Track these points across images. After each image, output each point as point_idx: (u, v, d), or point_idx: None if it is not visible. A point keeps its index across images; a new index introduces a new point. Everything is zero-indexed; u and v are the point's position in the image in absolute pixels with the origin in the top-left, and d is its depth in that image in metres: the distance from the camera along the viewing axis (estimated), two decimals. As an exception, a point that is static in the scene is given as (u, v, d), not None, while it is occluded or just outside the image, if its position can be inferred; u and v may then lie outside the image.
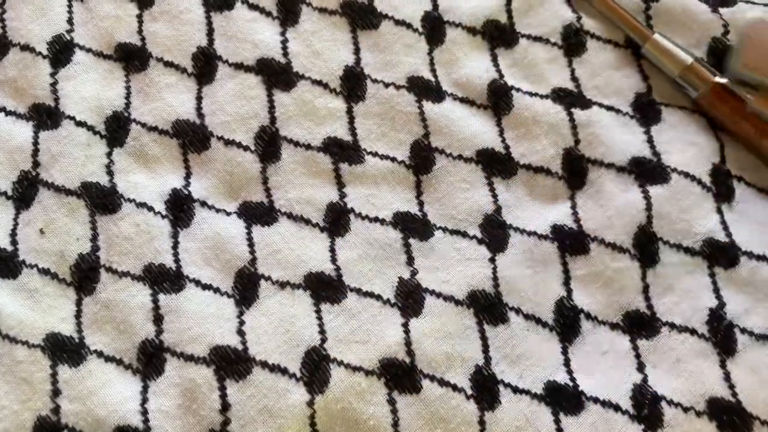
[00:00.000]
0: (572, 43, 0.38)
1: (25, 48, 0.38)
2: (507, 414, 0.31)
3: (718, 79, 0.36)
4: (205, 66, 0.38)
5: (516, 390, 0.32)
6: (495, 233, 0.35)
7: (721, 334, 0.33)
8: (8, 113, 0.37)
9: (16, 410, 0.31)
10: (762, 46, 0.35)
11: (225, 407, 0.31)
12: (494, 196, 0.36)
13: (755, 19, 0.37)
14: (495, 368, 0.32)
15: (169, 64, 0.38)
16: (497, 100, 0.37)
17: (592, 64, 0.38)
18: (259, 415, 0.31)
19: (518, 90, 0.37)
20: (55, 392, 0.32)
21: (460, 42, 0.38)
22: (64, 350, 0.33)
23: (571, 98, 0.37)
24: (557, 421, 0.32)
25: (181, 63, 0.38)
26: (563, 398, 0.32)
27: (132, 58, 0.38)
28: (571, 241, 0.35)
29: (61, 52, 0.38)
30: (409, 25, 0.39)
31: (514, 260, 0.34)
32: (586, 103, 0.37)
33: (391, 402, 0.32)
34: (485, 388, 0.32)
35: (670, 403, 0.32)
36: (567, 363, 0.33)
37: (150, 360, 0.33)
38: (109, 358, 0.33)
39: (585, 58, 0.38)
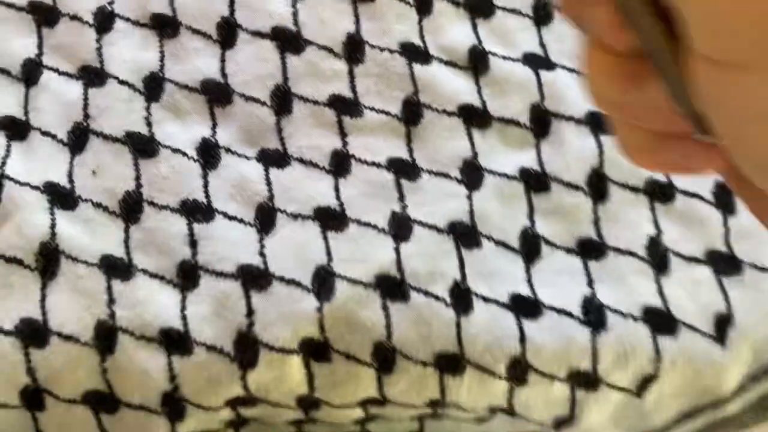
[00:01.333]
0: (541, 14, 0.45)
1: (74, 18, 0.44)
2: (478, 318, 0.38)
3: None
4: (227, 33, 0.44)
5: (486, 300, 0.39)
6: (472, 175, 0.42)
7: (658, 257, 0.40)
8: (61, 73, 0.43)
9: (81, 315, 0.38)
10: None
11: (250, 312, 0.38)
12: (472, 144, 0.42)
13: None
14: (470, 283, 0.39)
15: (196, 32, 0.44)
16: (476, 62, 0.44)
17: (558, 32, 0.45)
18: (278, 319, 0.38)
19: (494, 54, 0.44)
20: (111, 301, 0.39)
21: (445, 13, 0.45)
22: (116, 268, 0.39)
23: (538, 61, 0.44)
24: (519, 324, 0.38)
25: (207, 31, 0.44)
26: (525, 306, 0.39)
27: (165, 26, 0.44)
28: (535, 181, 0.41)
29: (104, 21, 0.44)
30: (401, -1, 0.45)
31: (487, 197, 0.41)
32: (551, 66, 0.44)
33: (385, 308, 0.38)
34: (461, 298, 0.39)
35: (613, 310, 0.39)
36: (529, 279, 0.40)
37: (187, 276, 0.39)
38: (153, 275, 0.40)
39: (552, 27, 0.45)
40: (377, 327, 0.38)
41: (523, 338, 0.38)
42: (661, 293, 0.40)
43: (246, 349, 0.38)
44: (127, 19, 0.45)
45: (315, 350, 0.38)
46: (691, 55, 0.18)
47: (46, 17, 0.45)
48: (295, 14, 0.44)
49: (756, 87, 0.17)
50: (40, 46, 0.44)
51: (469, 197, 0.41)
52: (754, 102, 0.17)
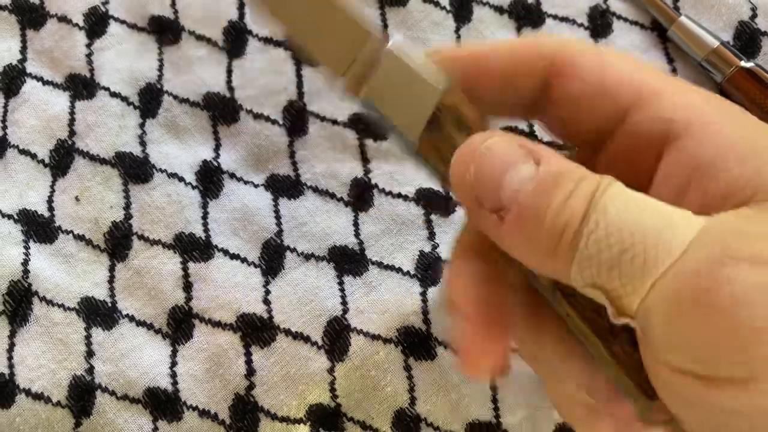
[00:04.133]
0: (598, 24, 0.38)
1: (62, 19, 0.39)
2: (517, 380, 0.32)
3: (744, 64, 0.36)
4: (235, 40, 0.39)
5: (527, 360, 0.33)
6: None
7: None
8: (45, 83, 0.38)
9: (53, 369, 0.33)
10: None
11: (250, 372, 0.33)
12: (516, 174, 0.36)
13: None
14: (509, 341, 0.33)
15: (200, 38, 0.39)
16: (522, 79, 0.38)
17: (618, 46, 0.38)
18: (282, 381, 0.33)
19: (543, 70, 0.38)
20: (90, 353, 0.33)
21: (487, 21, 0.39)
22: (97, 314, 0.34)
23: (595, 79, 0.38)
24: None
25: (213, 36, 0.39)
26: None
27: (165, 30, 0.39)
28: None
29: (96, 23, 0.39)
30: (437, 3, 0.39)
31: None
32: (610, 85, 0.38)
33: (408, 369, 0.33)
34: (499, 360, 0.33)
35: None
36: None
37: (179, 325, 0.34)
38: (140, 322, 0.34)
39: (611, 39, 0.38)
40: (399, 391, 0.33)
41: (572, 411, 0.32)
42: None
43: (244, 415, 0.32)
44: (123, 22, 0.39)
45: (325, 419, 0.33)
46: (658, 364, 0.20)
47: (30, 18, 0.39)
48: (313, 19, 0.39)
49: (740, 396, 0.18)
50: (23, 50, 0.39)
51: (511, 237, 0.35)
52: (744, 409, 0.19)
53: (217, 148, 0.37)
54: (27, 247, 0.35)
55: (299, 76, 0.38)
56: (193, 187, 0.36)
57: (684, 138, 0.22)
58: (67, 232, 0.36)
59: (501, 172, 0.21)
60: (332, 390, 0.33)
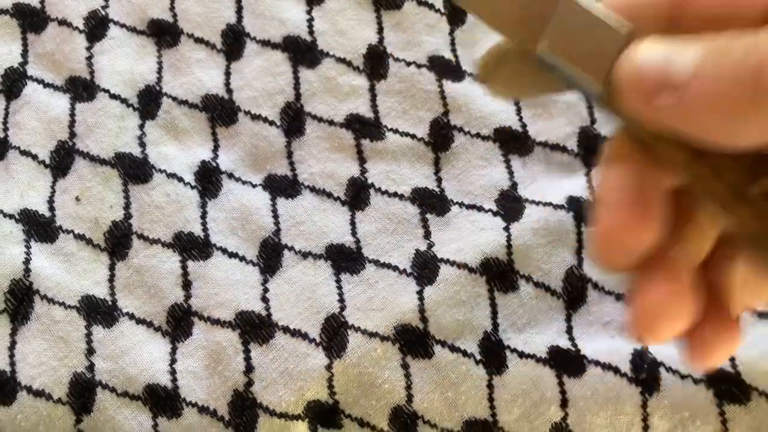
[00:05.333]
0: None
1: (63, 23, 0.40)
2: (514, 377, 0.33)
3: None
4: (233, 43, 0.39)
5: (522, 355, 0.33)
6: (510, 206, 0.36)
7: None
8: (46, 85, 0.39)
9: (54, 366, 0.34)
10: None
11: (249, 369, 0.33)
12: (510, 172, 0.37)
13: None
14: (502, 334, 0.34)
15: (199, 41, 0.39)
16: (515, 79, 0.38)
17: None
18: (281, 377, 0.33)
19: (536, 70, 0.38)
20: (90, 351, 0.34)
21: (480, 23, 0.39)
22: (98, 312, 0.35)
23: (587, 79, 0.38)
24: (561, 383, 0.33)
25: (211, 39, 0.39)
26: (566, 361, 0.33)
27: (164, 33, 0.40)
28: (585, 212, 0.36)
29: (96, 27, 0.40)
30: (431, 6, 0.40)
31: (528, 228, 0.35)
32: (602, 84, 0.38)
33: (405, 366, 0.33)
34: (493, 354, 0.33)
35: (669, 369, 0.33)
36: (569, 330, 0.34)
37: (178, 323, 0.34)
38: (140, 320, 0.35)
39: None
40: (396, 389, 0.33)
41: (565, 402, 0.33)
42: (732, 360, 0.34)
43: (243, 412, 0.33)
44: (123, 26, 0.40)
45: (323, 415, 0.33)
46: None
47: (31, 22, 0.40)
48: (310, 22, 0.39)
49: None
50: (24, 54, 0.39)
51: (507, 229, 0.35)
52: None
53: (216, 148, 0.38)
54: (28, 247, 0.36)
55: (296, 78, 0.38)
56: (192, 187, 0.37)
57: None
58: (68, 232, 0.36)
59: (665, 61, 0.20)
60: (330, 387, 0.33)
